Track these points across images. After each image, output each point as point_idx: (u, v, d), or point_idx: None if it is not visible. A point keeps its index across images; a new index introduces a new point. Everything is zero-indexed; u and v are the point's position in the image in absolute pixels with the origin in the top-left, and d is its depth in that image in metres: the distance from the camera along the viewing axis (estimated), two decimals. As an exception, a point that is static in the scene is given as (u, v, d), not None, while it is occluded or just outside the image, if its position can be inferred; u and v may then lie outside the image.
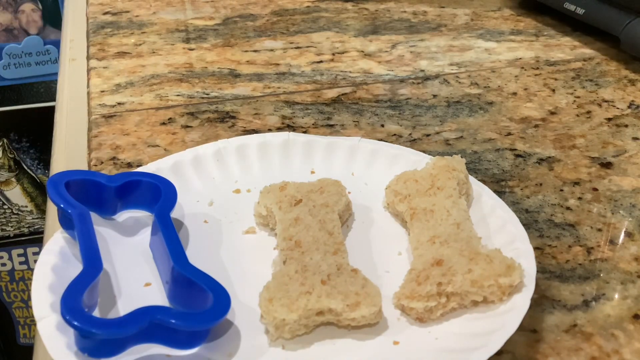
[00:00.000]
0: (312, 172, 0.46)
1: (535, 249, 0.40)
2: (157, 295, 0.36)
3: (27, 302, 1.40)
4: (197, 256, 0.38)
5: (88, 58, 0.67)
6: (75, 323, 0.30)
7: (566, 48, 0.68)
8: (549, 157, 0.49)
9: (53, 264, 0.35)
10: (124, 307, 0.35)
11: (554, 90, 0.60)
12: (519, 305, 0.33)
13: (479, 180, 0.46)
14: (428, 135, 0.52)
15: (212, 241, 0.40)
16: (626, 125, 0.54)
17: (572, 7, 0.69)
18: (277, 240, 0.38)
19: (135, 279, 0.37)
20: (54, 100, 0.64)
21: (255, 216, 0.41)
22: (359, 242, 0.40)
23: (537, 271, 0.38)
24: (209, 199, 0.43)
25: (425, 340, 0.33)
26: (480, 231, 0.39)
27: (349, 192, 0.42)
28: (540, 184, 0.46)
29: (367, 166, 0.46)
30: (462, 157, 0.43)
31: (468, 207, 0.41)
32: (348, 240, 0.39)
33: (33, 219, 1.35)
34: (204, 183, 0.44)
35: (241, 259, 0.39)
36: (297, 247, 0.36)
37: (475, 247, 0.36)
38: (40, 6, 1.21)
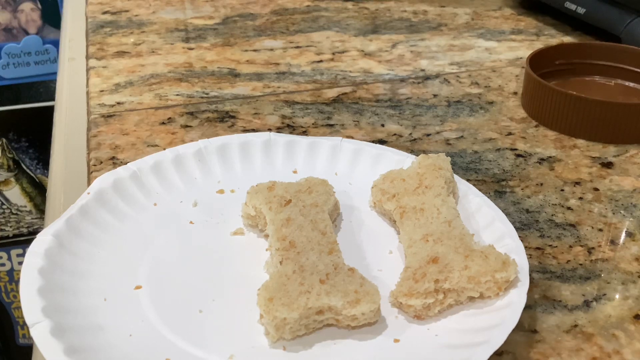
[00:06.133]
0: (295, 172, 0.45)
1: (536, 249, 0.40)
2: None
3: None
4: (187, 259, 0.38)
5: (87, 57, 0.66)
6: None
7: (566, 48, 0.68)
8: (550, 156, 0.49)
9: (40, 267, 0.35)
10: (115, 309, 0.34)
11: (554, 90, 0.60)
12: (515, 300, 0.33)
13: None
14: (428, 135, 0.52)
15: (200, 243, 0.39)
16: (627, 125, 0.54)
17: (572, 7, 0.68)
18: (270, 241, 0.38)
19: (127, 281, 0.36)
20: (53, 99, 0.64)
21: (243, 217, 0.41)
22: (349, 241, 0.40)
23: (538, 271, 0.38)
24: (192, 200, 0.43)
25: (426, 337, 0.33)
26: (469, 229, 0.39)
27: (334, 192, 0.42)
28: (541, 184, 0.46)
29: (350, 166, 0.46)
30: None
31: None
32: (338, 239, 0.39)
33: (32, 219, 1.34)
34: (186, 183, 0.44)
35: (233, 261, 0.38)
36: (292, 248, 0.36)
37: (468, 244, 0.36)
38: (39, 5, 1.21)
